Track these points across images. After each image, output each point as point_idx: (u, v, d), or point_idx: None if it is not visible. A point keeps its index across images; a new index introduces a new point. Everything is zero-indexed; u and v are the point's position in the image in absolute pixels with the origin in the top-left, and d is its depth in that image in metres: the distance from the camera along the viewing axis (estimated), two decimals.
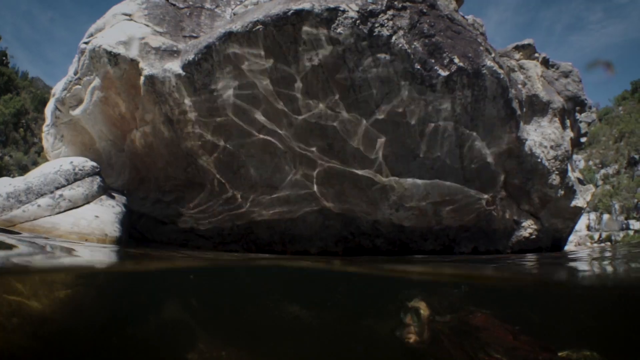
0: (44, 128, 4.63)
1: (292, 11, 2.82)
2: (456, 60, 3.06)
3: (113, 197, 3.80)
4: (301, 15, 2.81)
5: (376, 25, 2.85)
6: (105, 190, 3.78)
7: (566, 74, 4.64)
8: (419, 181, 3.59)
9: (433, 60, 3.01)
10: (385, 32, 2.86)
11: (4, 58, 26.46)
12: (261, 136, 3.48)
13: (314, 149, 3.47)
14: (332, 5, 2.79)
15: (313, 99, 3.19)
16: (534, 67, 4.27)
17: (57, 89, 4.58)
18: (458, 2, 4.47)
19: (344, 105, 3.16)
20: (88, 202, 3.53)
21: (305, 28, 2.86)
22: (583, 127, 5.03)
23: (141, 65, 3.50)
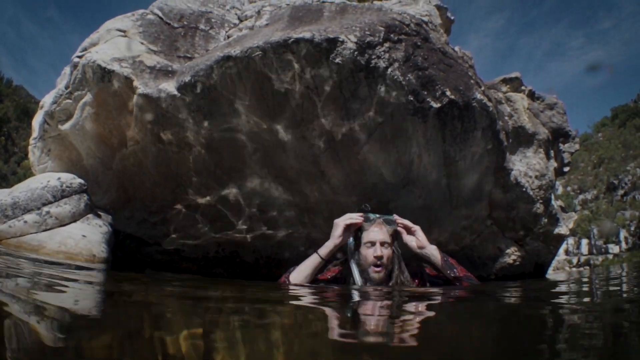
0: (31, 141, 4.55)
1: (292, 39, 2.86)
2: (448, 92, 3.13)
3: (99, 216, 3.75)
4: (301, 44, 2.85)
5: (373, 57, 2.91)
6: (92, 208, 3.73)
7: (551, 106, 4.78)
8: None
9: (426, 92, 3.07)
10: (382, 63, 2.92)
11: None
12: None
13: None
14: (331, 36, 2.84)
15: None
16: (521, 100, 4.40)
17: (46, 102, 4.52)
18: (446, 32, 4.60)
19: (339, 132, 3.21)
20: (75, 221, 3.47)
21: (305, 56, 2.90)
22: (566, 157, 5.16)
23: (135, 83, 3.49)
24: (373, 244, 2.57)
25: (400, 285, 2.57)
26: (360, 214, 2.68)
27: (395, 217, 2.74)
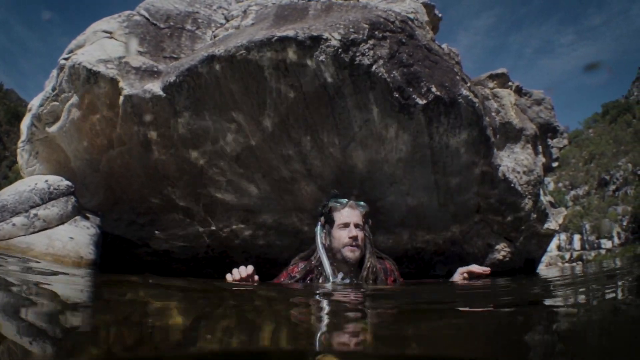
0: (19, 144, 4.52)
1: (276, 37, 2.86)
2: (433, 89, 3.14)
3: (87, 218, 3.73)
4: (285, 42, 2.86)
5: (357, 54, 2.91)
6: (80, 210, 3.71)
7: (539, 102, 4.81)
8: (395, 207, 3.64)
9: (411, 89, 3.08)
10: (366, 61, 2.93)
11: None
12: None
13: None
14: (315, 34, 2.85)
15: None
16: (508, 96, 4.42)
17: (34, 105, 4.49)
18: (434, 30, 4.61)
19: (324, 130, 3.22)
20: (62, 223, 3.45)
21: (289, 55, 2.90)
22: (554, 153, 5.19)
23: (121, 84, 3.48)
24: (347, 225, 2.58)
25: (373, 273, 2.57)
26: (246, 267, 2.44)
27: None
